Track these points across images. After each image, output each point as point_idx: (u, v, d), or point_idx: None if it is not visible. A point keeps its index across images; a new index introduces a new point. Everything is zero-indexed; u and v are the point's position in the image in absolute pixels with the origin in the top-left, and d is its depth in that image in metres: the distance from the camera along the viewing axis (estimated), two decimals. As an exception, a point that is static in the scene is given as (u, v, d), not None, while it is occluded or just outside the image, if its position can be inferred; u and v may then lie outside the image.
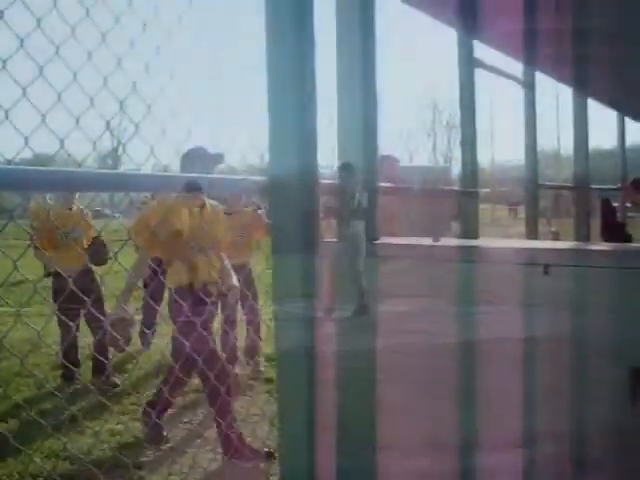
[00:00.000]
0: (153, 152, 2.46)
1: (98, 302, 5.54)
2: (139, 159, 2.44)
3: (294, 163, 2.24)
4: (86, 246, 6.28)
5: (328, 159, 3.51)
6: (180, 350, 3.31)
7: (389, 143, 4.98)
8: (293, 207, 2.25)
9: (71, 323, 4.98)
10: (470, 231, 4.45)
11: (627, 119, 8.81)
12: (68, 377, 5.77)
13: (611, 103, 7.89)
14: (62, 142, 2.03)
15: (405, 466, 2.54)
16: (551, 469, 2.34)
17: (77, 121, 2.08)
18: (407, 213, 4.34)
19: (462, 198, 4.55)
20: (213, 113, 2.54)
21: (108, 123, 2.36)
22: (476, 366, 2.43)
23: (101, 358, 5.51)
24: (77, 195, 6.39)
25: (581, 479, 2.31)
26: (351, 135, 2.65)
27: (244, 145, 2.81)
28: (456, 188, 4.83)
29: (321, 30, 2.35)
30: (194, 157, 3.88)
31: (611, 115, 8.69)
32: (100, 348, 5.21)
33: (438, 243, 2.62)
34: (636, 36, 4.29)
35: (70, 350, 5.71)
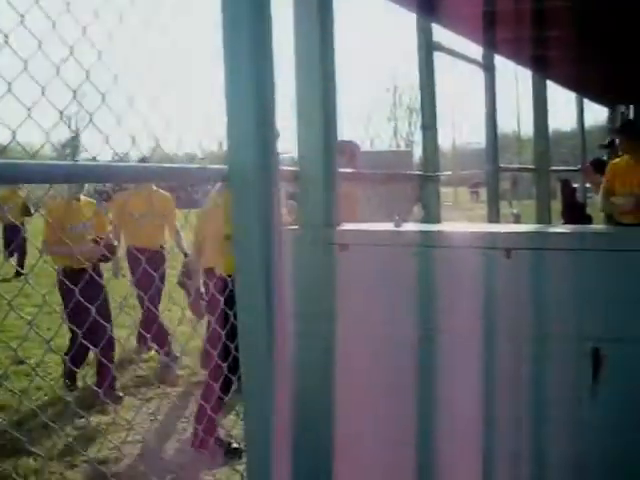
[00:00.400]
0: (108, 141, 2.42)
1: (103, 306, 5.17)
2: (95, 149, 2.40)
3: (253, 149, 2.21)
4: (95, 240, 6.04)
5: (288, 144, 3.48)
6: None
7: (350, 128, 4.98)
8: (253, 194, 2.22)
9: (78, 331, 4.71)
10: (432, 215, 4.45)
11: (586, 100, 8.88)
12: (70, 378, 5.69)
13: (570, 85, 7.94)
14: (14, 133, 1.99)
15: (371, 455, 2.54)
16: (511, 451, 2.35)
17: (29, 111, 2.03)
18: (368, 198, 4.33)
19: (423, 182, 4.55)
20: (169, 100, 2.49)
21: (62, 113, 2.31)
22: (437, 352, 2.43)
23: (105, 362, 5.24)
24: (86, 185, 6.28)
25: (542, 461, 2.32)
26: (310, 120, 2.62)
27: (202, 132, 2.77)
28: (417, 172, 4.83)
29: (279, 14, 2.32)
30: None
31: (570, 97, 8.77)
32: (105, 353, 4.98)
33: (400, 228, 2.60)
34: (592, 17, 4.31)
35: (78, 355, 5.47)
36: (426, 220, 4.43)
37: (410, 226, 2.85)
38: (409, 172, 4.73)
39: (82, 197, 6.35)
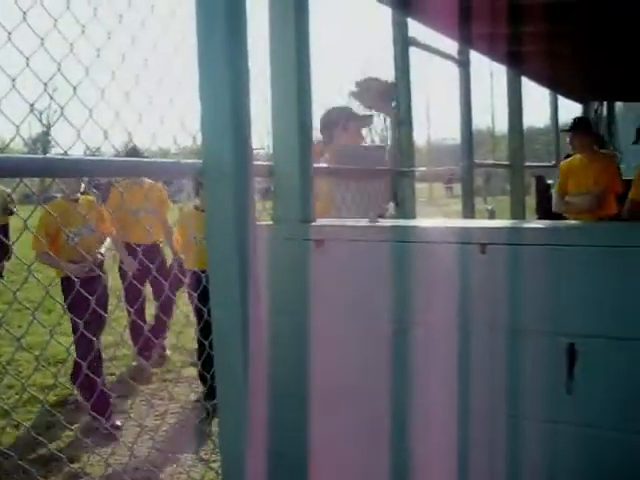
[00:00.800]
0: (80, 136, 2.39)
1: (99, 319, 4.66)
2: (67, 143, 2.37)
3: (228, 144, 2.19)
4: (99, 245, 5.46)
5: (263, 139, 3.45)
6: None
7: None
8: (228, 189, 2.20)
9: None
10: (407, 211, 4.45)
11: (560, 97, 8.92)
12: None
13: (544, 81, 7.97)
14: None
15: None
16: (486, 447, 2.35)
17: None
18: (343, 194, 4.32)
19: (398, 178, 4.54)
20: (142, 93, 2.47)
21: (32, 106, 2.28)
22: (412, 347, 2.42)
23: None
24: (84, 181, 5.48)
25: (517, 456, 2.32)
26: (286, 115, 2.60)
27: (175, 126, 2.75)
28: (392, 168, 4.82)
29: (254, 9, 2.30)
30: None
31: (545, 93, 8.81)
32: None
33: (375, 224, 2.59)
34: (567, 14, 4.32)
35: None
36: (401, 215, 4.43)
37: (385, 222, 2.84)
38: (384, 167, 4.72)
39: (80, 196, 5.67)
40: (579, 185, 5.94)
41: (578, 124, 6.14)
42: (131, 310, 4.55)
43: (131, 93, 2.44)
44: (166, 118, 2.66)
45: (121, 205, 6.79)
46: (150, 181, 7.15)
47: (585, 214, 5.64)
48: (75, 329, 4.60)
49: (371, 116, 4.72)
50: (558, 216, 6.14)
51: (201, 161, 2.23)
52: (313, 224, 2.62)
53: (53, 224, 5.07)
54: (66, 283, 5.08)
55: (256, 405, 2.22)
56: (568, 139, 6.68)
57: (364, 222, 2.65)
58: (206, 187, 2.22)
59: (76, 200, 5.41)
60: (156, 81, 2.57)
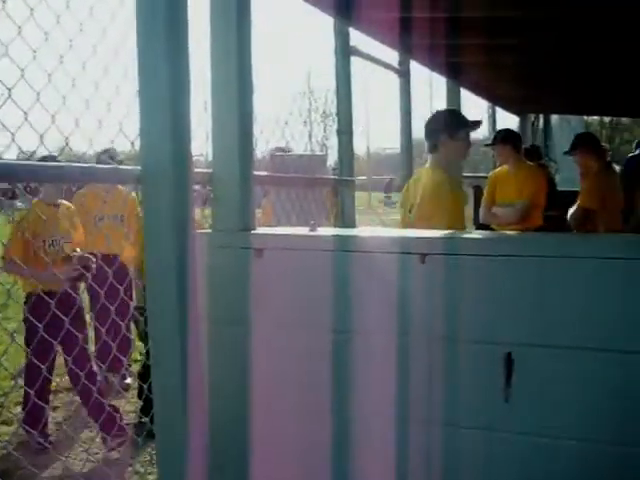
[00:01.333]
0: (14, 139, 2.33)
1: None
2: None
3: (167, 151, 2.16)
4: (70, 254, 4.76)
5: (203, 147, 3.42)
6: None
7: (265, 131, 4.93)
8: (166, 196, 2.17)
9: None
10: (347, 220, 4.46)
11: (497, 109, 9.07)
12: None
13: (482, 93, 8.09)
14: None
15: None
16: (424, 454, 2.36)
17: None
18: (283, 202, 4.31)
19: (339, 187, 4.55)
20: (79, 98, 2.42)
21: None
22: (352, 356, 2.42)
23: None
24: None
25: (455, 464, 2.34)
26: (226, 121, 2.58)
27: (114, 132, 2.70)
28: (333, 177, 4.83)
29: (195, 13, 2.28)
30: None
31: (482, 105, 8.93)
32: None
33: (315, 233, 2.59)
34: (506, 28, 4.40)
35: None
36: (342, 225, 4.43)
37: (325, 231, 2.84)
38: (325, 176, 4.72)
39: (61, 202, 5.10)
40: (504, 197, 5.97)
41: (504, 136, 6.16)
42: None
43: (68, 97, 2.39)
44: (104, 122, 2.61)
45: (85, 211, 6.05)
46: (120, 187, 6.39)
47: (508, 226, 5.65)
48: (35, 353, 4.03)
49: (480, 121, 4.43)
50: (488, 227, 6.17)
51: (139, 168, 2.20)
52: (253, 232, 2.60)
53: (32, 228, 4.60)
54: (35, 300, 4.36)
55: (195, 417, 2.19)
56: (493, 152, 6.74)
57: (304, 231, 2.64)
58: (143, 194, 2.19)
59: (57, 205, 4.91)
60: (94, 85, 2.52)
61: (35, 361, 3.75)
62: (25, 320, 4.33)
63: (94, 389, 4.05)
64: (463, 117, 4.24)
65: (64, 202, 5.14)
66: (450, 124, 3.87)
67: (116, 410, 4.46)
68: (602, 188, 6.08)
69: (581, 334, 2.18)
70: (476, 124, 4.22)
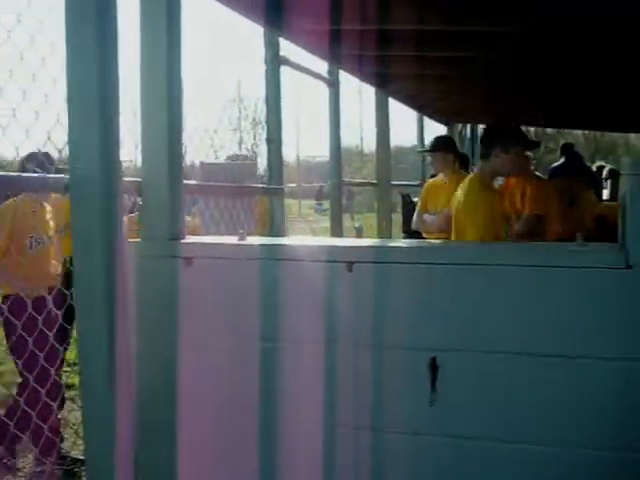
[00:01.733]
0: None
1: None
2: None
3: (95, 159, 2.15)
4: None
5: (132, 155, 3.39)
6: None
7: (195, 139, 4.92)
8: (94, 205, 2.16)
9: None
10: (277, 228, 4.48)
11: (425, 118, 9.20)
12: None
13: (409, 102, 8.20)
14: None
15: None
16: (352, 461, 2.40)
17: None
18: (212, 211, 4.31)
19: (268, 195, 4.57)
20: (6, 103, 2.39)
21: None
22: (280, 363, 2.44)
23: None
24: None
25: (381, 470, 2.38)
26: (155, 129, 2.57)
27: (42, 139, 2.68)
28: (262, 185, 4.85)
29: (124, 21, 2.27)
30: None
31: (411, 114, 9.05)
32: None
33: (244, 242, 2.60)
34: (433, 40, 4.47)
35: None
36: (271, 233, 4.45)
37: (254, 239, 2.86)
38: (254, 185, 4.74)
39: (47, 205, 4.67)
40: (435, 204, 6.04)
41: (436, 144, 6.23)
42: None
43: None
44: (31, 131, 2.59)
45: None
46: (56, 195, 5.62)
47: (435, 234, 5.71)
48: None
49: (539, 142, 4.51)
50: (419, 234, 6.24)
51: (67, 176, 2.18)
52: (182, 241, 2.59)
53: (18, 223, 4.31)
54: (16, 303, 4.00)
55: (123, 426, 2.18)
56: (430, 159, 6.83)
57: (233, 240, 2.65)
58: (72, 203, 2.17)
59: (42, 205, 4.57)
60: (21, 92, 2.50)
61: None
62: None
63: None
64: (523, 135, 4.37)
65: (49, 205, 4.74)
66: (507, 138, 3.97)
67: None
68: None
69: (493, 337, 2.26)
70: (535, 144, 4.35)
